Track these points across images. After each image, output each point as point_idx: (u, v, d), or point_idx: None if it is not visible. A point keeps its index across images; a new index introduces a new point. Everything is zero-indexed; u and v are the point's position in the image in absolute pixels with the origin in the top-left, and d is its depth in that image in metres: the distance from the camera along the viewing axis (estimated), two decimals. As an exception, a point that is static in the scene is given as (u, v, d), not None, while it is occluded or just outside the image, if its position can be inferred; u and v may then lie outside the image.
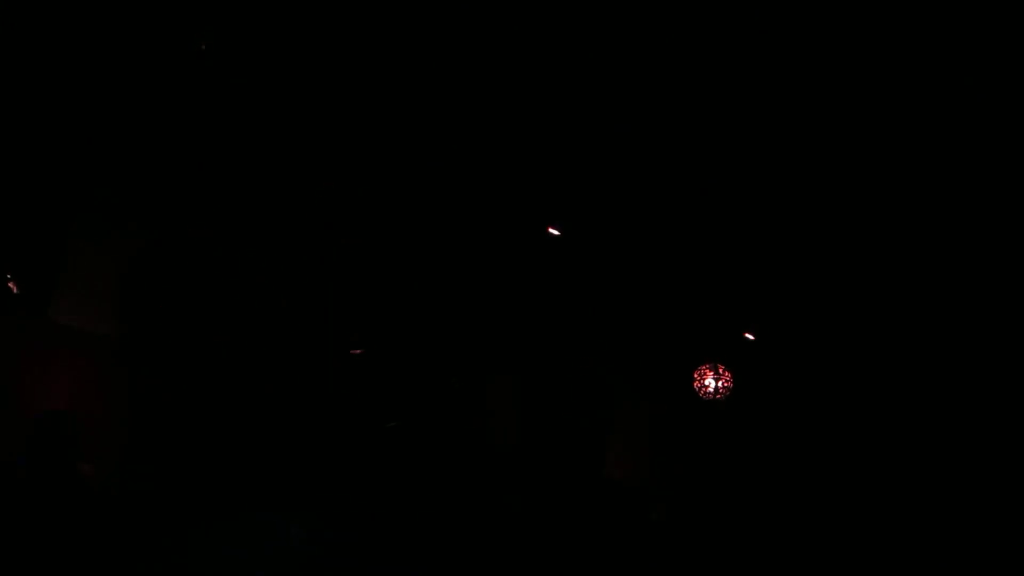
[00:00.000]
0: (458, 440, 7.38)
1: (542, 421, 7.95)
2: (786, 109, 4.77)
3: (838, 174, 5.25)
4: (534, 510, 7.26)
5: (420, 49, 4.78)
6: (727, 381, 7.00)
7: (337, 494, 6.03)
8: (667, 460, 8.40)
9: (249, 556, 4.93)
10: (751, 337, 7.78)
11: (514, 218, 6.57)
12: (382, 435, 6.63)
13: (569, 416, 8.15)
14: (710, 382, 7.00)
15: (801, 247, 6.34)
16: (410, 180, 6.21)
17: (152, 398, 6.01)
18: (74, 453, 5.06)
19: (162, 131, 5.95)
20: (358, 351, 6.65)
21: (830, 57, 4.18)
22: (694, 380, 7.07)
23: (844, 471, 7.96)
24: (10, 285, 5.56)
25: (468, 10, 4.31)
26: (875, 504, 7.70)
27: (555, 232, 6.66)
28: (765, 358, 8.04)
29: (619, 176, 5.87)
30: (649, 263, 6.98)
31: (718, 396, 7.00)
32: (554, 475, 7.72)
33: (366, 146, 5.82)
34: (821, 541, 7.73)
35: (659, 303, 7.60)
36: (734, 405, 7.46)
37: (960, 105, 4.29)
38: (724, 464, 8.49)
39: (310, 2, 4.63)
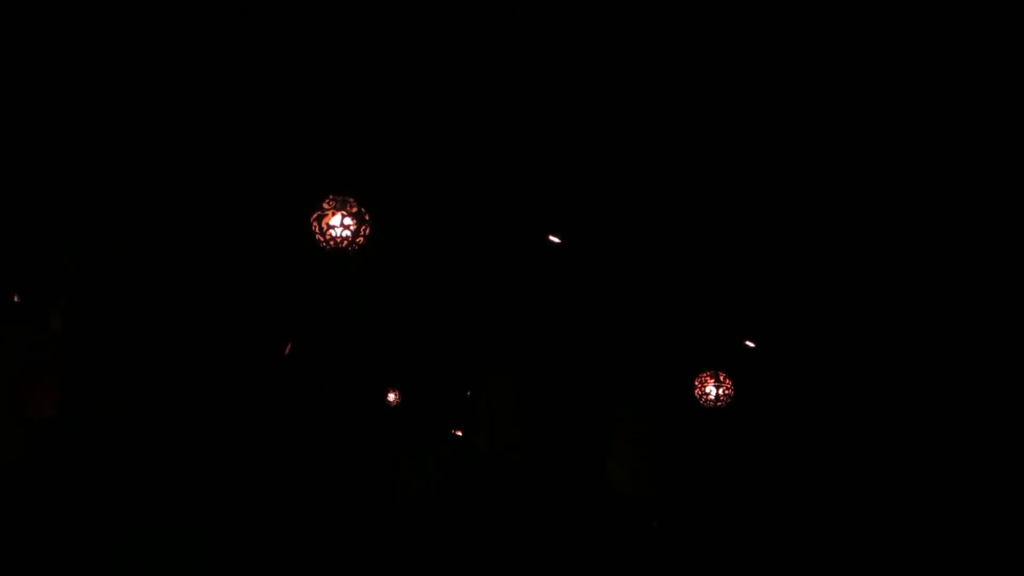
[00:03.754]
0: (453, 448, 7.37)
1: (542, 428, 7.94)
2: (785, 117, 4.78)
3: (837, 181, 5.25)
4: (532, 518, 7.24)
5: (420, 53, 4.79)
6: (728, 388, 6.99)
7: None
8: (668, 467, 8.38)
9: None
10: (752, 344, 7.78)
11: (514, 225, 6.57)
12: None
13: (569, 424, 8.13)
14: (711, 389, 6.99)
15: (801, 255, 6.34)
16: (412, 186, 6.22)
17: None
18: (72, 459, 5.06)
19: (159, 141, 5.96)
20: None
21: (830, 58, 4.19)
22: (695, 387, 7.06)
23: (844, 477, 7.95)
24: (14, 298, 5.56)
25: (469, 12, 4.32)
26: (875, 509, 7.69)
27: (556, 240, 6.67)
28: (766, 365, 8.04)
29: (619, 183, 5.88)
30: (649, 270, 6.98)
31: (719, 403, 6.98)
32: (554, 483, 7.71)
33: (367, 150, 5.83)
34: (821, 546, 7.71)
35: (660, 310, 7.60)
36: (735, 412, 7.45)
37: (960, 105, 4.30)
38: (725, 471, 8.48)
39: (309, 8, 4.63)
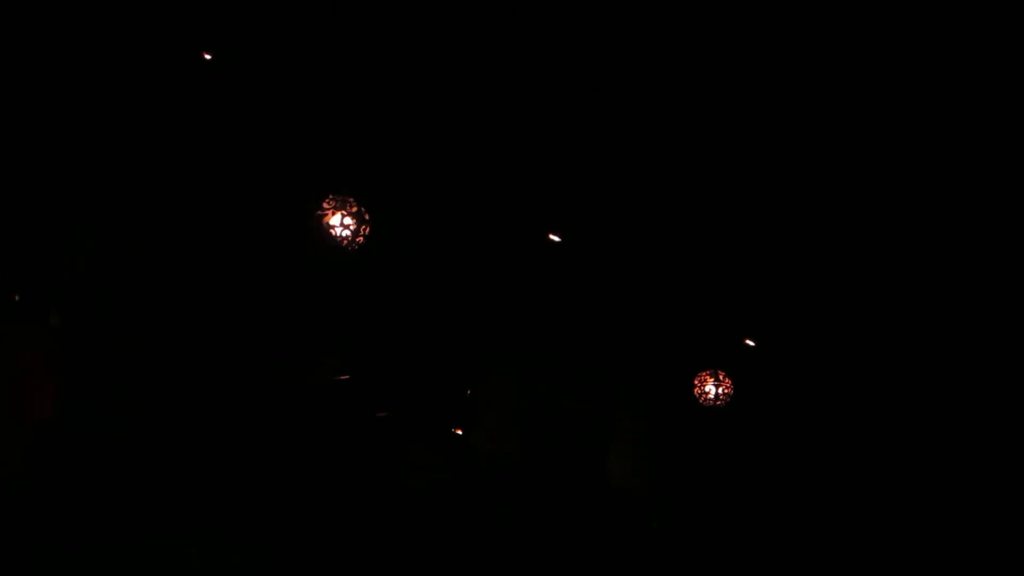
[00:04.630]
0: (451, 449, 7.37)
1: (542, 428, 7.94)
2: (785, 113, 4.78)
3: (837, 178, 5.26)
4: (531, 519, 7.24)
5: (419, 52, 4.80)
6: (727, 387, 6.99)
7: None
8: (668, 467, 8.38)
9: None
10: (751, 343, 7.78)
11: (514, 223, 6.58)
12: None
13: (569, 423, 8.14)
14: (710, 388, 6.99)
15: (800, 253, 6.34)
16: (411, 185, 6.23)
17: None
18: (72, 459, 5.06)
19: (160, 141, 5.98)
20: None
21: (830, 57, 4.20)
22: (694, 386, 7.06)
23: (844, 476, 7.95)
24: (15, 297, 5.56)
25: (468, 12, 4.33)
26: (875, 507, 7.69)
27: (555, 238, 6.68)
28: (765, 364, 8.04)
29: (619, 181, 5.89)
30: (649, 269, 6.98)
31: (718, 402, 6.98)
32: (554, 483, 7.71)
33: (367, 150, 5.84)
34: (821, 545, 7.71)
35: (659, 309, 7.60)
36: (734, 411, 7.45)
37: (960, 105, 4.31)
38: (725, 470, 8.48)
39: (306, 10, 4.64)
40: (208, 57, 4.97)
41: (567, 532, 7.27)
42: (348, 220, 4.65)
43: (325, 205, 4.67)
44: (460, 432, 7.45)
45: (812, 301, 6.94)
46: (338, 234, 4.57)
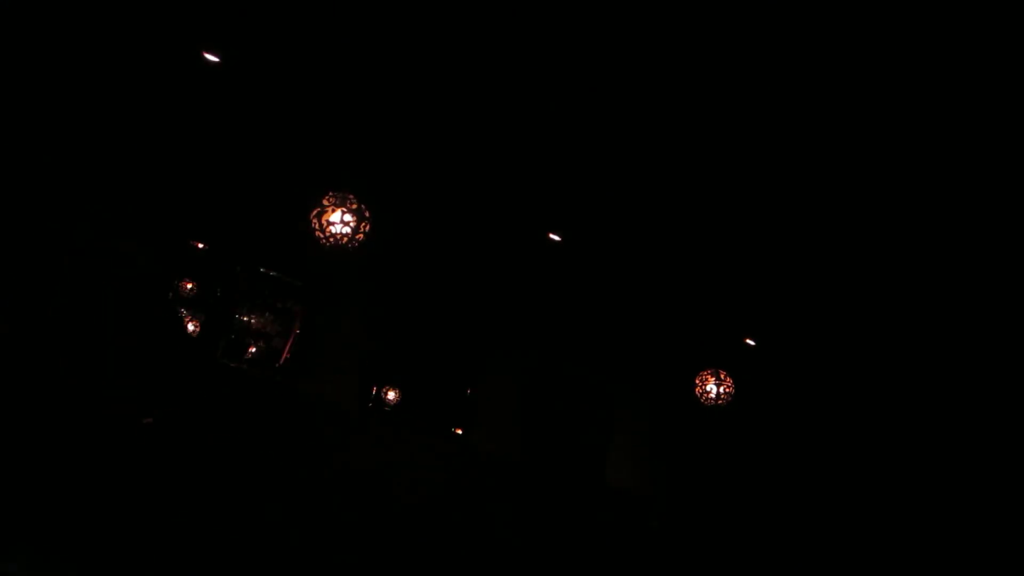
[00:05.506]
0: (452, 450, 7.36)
1: (542, 428, 7.94)
2: (785, 112, 4.78)
3: (836, 178, 5.26)
4: (531, 519, 7.23)
5: (419, 51, 4.80)
6: (728, 387, 6.98)
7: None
8: (668, 466, 8.38)
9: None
10: (752, 342, 7.78)
11: (514, 223, 6.58)
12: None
13: (569, 423, 8.13)
14: (711, 388, 6.98)
15: (800, 253, 6.34)
16: (411, 182, 6.23)
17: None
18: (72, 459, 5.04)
19: (160, 141, 5.98)
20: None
21: (830, 58, 4.21)
22: (695, 386, 7.05)
23: (844, 476, 7.95)
24: None
25: (468, 12, 4.34)
26: (875, 507, 7.69)
27: (556, 238, 6.68)
28: (766, 363, 8.04)
29: (619, 182, 5.89)
30: (650, 269, 6.98)
31: (720, 402, 6.98)
32: (554, 483, 7.70)
33: (366, 148, 5.84)
34: (822, 546, 7.71)
35: (660, 309, 7.60)
36: (735, 411, 7.44)
37: (960, 105, 4.31)
38: (725, 471, 8.47)
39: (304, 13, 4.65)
40: (208, 56, 4.97)
41: (567, 532, 7.25)
42: (348, 217, 4.64)
43: (325, 202, 4.66)
44: (460, 432, 7.44)
45: (812, 301, 6.94)
46: (337, 231, 4.56)
